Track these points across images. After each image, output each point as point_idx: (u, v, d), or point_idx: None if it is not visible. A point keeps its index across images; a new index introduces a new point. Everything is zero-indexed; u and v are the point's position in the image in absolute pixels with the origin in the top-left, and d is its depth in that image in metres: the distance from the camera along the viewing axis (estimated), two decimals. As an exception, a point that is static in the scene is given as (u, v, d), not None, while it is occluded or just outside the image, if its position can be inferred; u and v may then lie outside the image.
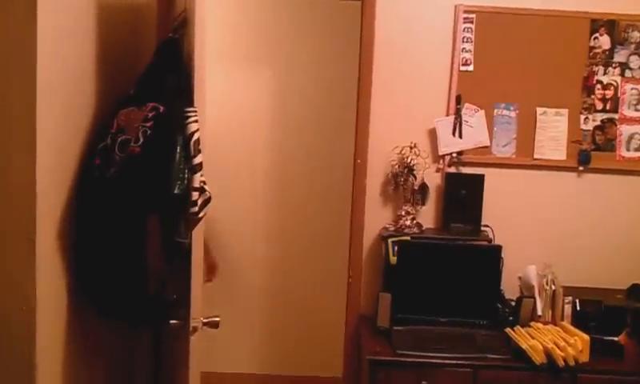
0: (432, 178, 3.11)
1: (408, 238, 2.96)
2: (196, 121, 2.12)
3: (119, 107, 2.17)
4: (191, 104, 2.12)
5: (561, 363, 2.63)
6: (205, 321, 2.24)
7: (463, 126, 3.11)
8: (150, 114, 2.08)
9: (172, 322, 2.18)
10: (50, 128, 1.86)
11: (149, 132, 2.06)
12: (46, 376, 1.94)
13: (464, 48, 3.09)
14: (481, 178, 3.07)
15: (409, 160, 3.02)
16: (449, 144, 3.11)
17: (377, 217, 3.09)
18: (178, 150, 2.07)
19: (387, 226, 3.08)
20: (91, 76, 2.23)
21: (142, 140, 2.05)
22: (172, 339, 2.33)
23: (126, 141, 2.06)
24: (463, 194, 3.06)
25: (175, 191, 2.04)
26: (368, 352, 2.69)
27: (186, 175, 2.07)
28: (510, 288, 3.04)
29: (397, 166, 3.04)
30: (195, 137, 2.11)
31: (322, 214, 3.94)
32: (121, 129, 2.09)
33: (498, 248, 2.95)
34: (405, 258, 2.89)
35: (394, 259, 2.91)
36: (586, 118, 3.15)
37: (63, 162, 2.01)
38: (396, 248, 2.91)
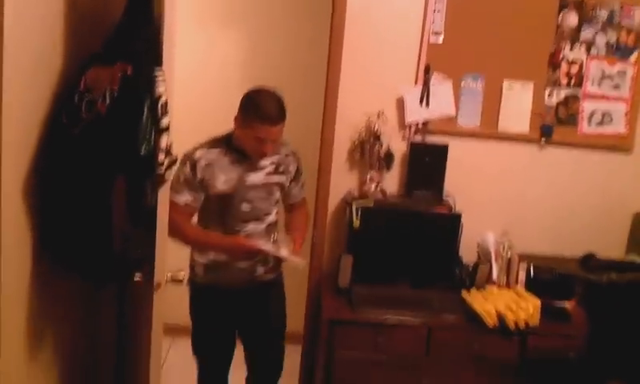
0: (398, 146, 3.18)
1: (371, 203, 3.04)
2: (164, 82, 2.16)
3: (87, 66, 2.19)
4: (159, 65, 2.16)
5: (512, 326, 2.75)
6: (169, 277, 2.32)
7: (430, 95, 3.17)
8: (118, 75, 2.11)
9: (136, 278, 2.25)
10: (15, 84, 1.88)
11: (116, 92, 2.10)
12: (10, 329, 1.99)
13: (434, 19, 3.13)
14: (445, 148, 3.15)
15: (376, 128, 3.08)
16: (415, 113, 3.18)
17: (342, 182, 3.16)
18: (145, 112, 2.10)
19: (352, 191, 3.16)
20: (60, 32, 2.23)
21: (108, 100, 2.09)
22: (136, 294, 2.40)
23: (93, 100, 2.09)
24: (427, 162, 3.14)
25: (142, 152, 2.09)
26: (328, 309, 2.79)
27: (153, 136, 2.12)
28: (468, 253, 3.16)
29: (364, 133, 3.11)
30: (163, 98, 2.15)
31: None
32: (88, 88, 2.12)
33: (458, 216, 3.05)
34: (367, 223, 2.98)
35: (357, 223, 2.99)
36: (551, 92, 3.23)
37: (29, 120, 2.03)
38: (359, 213, 2.99)
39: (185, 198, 2.65)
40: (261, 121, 2.55)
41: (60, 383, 2.45)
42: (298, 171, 2.87)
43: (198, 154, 2.66)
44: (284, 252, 2.67)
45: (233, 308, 2.84)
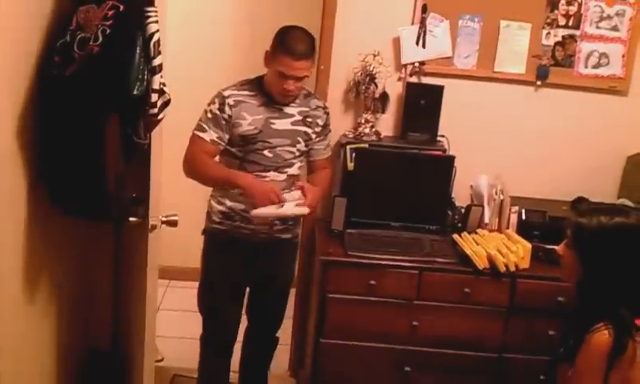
0: (393, 87, 3.15)
1: (366, 145, 3.03)
2: (156, 21, 2.11)
3: (78, 4, 2.14)
4: (152, 3, 2.11)
5: (502, 269, 2.79)
6: (163, 219, 2.33)
7: (427, 35, 3.13)
8: (110, 13, 2.06)
9: (131, 219, 2.25)
10: (6, 23, 1.85)
11: (108, 31, 2.05)
12: (6, 271, 2.00)
13: (432, -44, 3.06)
14: (440, 88, 3.12)
15: (371, 68, 3.04)
16: (412, 53, 3.14)
17: (337, 124, 3.10)
18: (138, 51, 2.07)
19: (346, 133, 3.13)
20: (50, -31, 2.18)
21: (101, 39, 2.05)
22: (132, 236, 2.41)
23: (85, 39, 2.06)
24: (422, 103, 3.11)
25: (134, 92, 2.06)
26: (321, 253, 2.81)
27: (146, 76, 2.09)
28: (461, 196, 3.17)
29: (359, 74, 3.07)
30: (155, 37, 2.11)
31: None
32: (80, 26, 2.07)
33: (451, 158, 3.04)
34: (362, 165, 2.97)
35: (351, 165, 2.99)
36: (548, 33, 3.19)
37: (21, 60, 2.00)
38: (354, 155, 2.98)
39: (211, 134, 2.62)
40: (284, 53, 2.51)
41: (57, 325, 2.48)
42: (325, 126, 2.79)
43: (227, 92, 2.64)
44: (287, 209, 2.60)
45: (246, 262, 2.77)
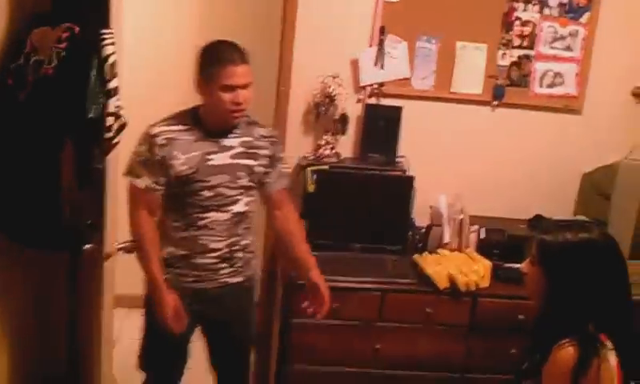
0: (353, 108, 3.15)
1: (326, 167, 3.02)
2: (112, 43, 2.08)
3: (33, 26, 2.10)
4: (108, 25, 2.08)
5: (463, 288, 2.80)
6: (119, 246, 2.27)
7: (385, 57, 3.15)
8: (64, 35, 2.04)
9: (86, 247, 2.19)
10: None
11: (63, 53, 2.02)
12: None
13: (389, -22, 3.09)
14: (399, 109, 3.14)
15: (331, 90, 3.04)
16: (370, 75, 3.15)
17: (297, 145, 3.11)
18: (93, 73, 2.04)
19: (307, 154, 3.12)
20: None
21: (55, 62, 2.02)
22: (87, 263, 2.34)
23: (40, 61, 2.02)
24: (382, 125, 3.13)
25: (90, 115, 2.02)
26: (283, 275, 2.79)
27: (101, 99, 2.06)
28: (421, 216, 3.17)
29: (319, 96, 3.07)
30: (111, 60, 2.08)
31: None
32: (34, 49, 2.04)
33: (410, 178, 3.06)
34: (322, 187, 2.96)
35: (312, 187, 2.98)
36: (504, 53, 3.24)
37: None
38: (314, 177, 2.97)
39: (145, 181, 2.30)
40: (224, 64, 2.23)
41: (10, 357, 2.40)
42: (274, 157, 2.48)
43: (155, 130, 2.30)
44: None
45: (193, 315, 2.45)
